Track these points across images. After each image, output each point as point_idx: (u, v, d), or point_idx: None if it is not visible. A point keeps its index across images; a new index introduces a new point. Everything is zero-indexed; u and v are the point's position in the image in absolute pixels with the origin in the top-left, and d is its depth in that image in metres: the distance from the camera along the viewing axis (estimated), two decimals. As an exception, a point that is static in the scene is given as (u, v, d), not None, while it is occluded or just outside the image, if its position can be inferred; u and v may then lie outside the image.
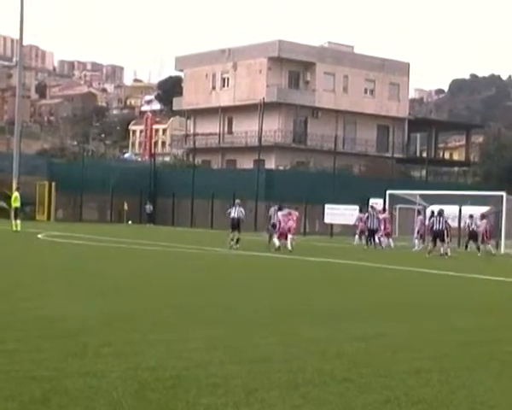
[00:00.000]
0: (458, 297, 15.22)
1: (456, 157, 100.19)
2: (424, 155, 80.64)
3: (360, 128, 74.06)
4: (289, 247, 28.45)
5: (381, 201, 40.20)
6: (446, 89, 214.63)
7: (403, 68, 77.41)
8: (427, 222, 33.39)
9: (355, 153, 71.96)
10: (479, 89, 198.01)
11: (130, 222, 53.39)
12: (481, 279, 19.89)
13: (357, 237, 37.88)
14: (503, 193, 35.80)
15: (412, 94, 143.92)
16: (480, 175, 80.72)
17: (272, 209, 31.75)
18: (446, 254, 30.09)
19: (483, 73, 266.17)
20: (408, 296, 14.83)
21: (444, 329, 10.26)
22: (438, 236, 30.76)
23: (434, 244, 30.89)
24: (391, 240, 36.46)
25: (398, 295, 15.20)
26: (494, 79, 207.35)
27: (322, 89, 71.74)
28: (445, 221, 31.37)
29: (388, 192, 39.52)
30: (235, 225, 28.96)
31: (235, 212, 29.46)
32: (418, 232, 35.78)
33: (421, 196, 40.40)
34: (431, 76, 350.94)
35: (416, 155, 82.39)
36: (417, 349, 8.44)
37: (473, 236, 33.90)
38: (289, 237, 29.07)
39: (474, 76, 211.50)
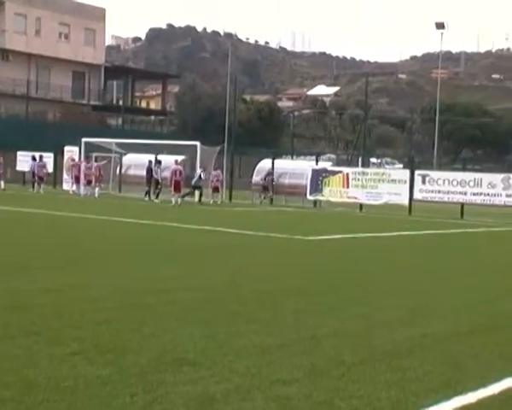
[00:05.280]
0: (150, 244, 15.37)
1: (153, 106, 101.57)
2: (121, 103, 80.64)
3: (55, 74, 72.08)
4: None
5: (76, 149, 39.76)
6: (143, 37, 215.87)
7: (99, 14, 76.40)
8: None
9: (49, 99, 70.01)
10: (175, 39, 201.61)
11: None
12: (175, 228, 20.32)
13: (36, 185, 39.40)
14: (198, 143, 36.90)
15: (109, 41, 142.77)
16: (176, 124, 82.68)
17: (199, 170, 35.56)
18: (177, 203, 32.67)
19: (179, 23, 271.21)
20: (109, 245, 14.71)
21: (137, 277, 10.26)
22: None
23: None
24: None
25: (95, 244, 15.01)
26: (190, 29, 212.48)
27: (13, 30, 68.57)
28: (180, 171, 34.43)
29: (84, 140, 39.03)
30: None
31: None
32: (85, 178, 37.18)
33: (117, 144, 40.41)
34: (128, 23, 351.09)
35: (112, 103, 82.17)
36: (110, 299, 8.33)
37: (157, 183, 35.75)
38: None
39: (170, 26, 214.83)
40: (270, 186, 37.94)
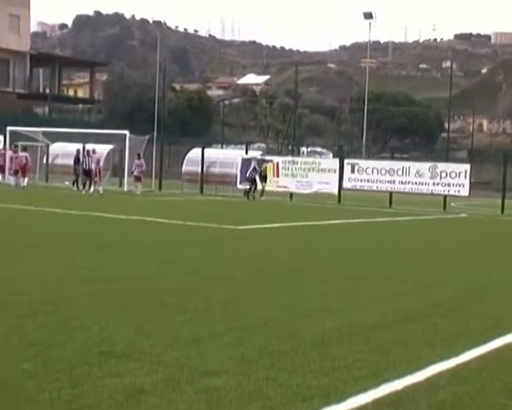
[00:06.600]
0: (77, 235, 15.14)
1: (80, 94, 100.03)
2: (48, 91, 79.16)
3: (-22, 61, 70.31)
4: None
5: (1, 137, 39.02)
6: (70, 24, 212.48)
7: (23, 0, 74.70)
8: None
9: (-27, 87, 68.29)
10: (103, 26, 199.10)
11: None
12: (103, 217, 20.09)
13: None
14: (127, 132, 36.53)
15: (34, 27, 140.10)
16: (104, 113, 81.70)
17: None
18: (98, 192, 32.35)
19: (107, 10, 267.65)
20: (34, 236, 14.42)
21: (63, 269, 10.07)
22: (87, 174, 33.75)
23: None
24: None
25: (19, 235, 14.70)
26: (118, 17, 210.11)
27: None
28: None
29: (9, 129, 38.25)
30: None
31: None
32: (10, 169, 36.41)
33: (44, 133, 39.71)
34: (54, 9, 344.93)
35: (39, 91, 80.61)
36: (34, 292, 8.14)
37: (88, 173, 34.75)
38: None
39: (98, 13, 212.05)
40: (255, 177, 35.37)
